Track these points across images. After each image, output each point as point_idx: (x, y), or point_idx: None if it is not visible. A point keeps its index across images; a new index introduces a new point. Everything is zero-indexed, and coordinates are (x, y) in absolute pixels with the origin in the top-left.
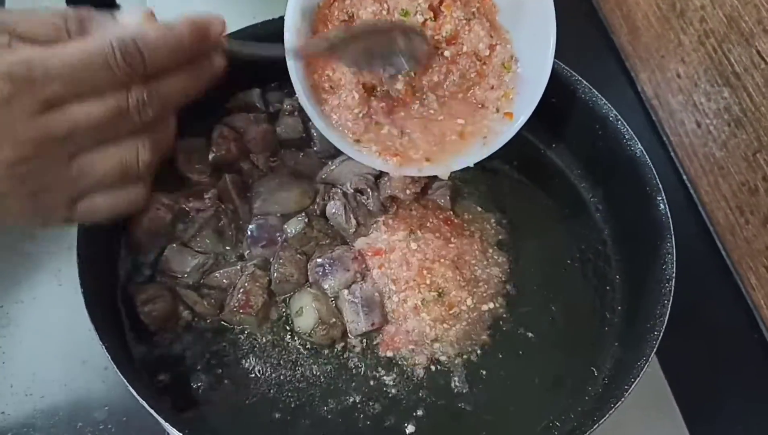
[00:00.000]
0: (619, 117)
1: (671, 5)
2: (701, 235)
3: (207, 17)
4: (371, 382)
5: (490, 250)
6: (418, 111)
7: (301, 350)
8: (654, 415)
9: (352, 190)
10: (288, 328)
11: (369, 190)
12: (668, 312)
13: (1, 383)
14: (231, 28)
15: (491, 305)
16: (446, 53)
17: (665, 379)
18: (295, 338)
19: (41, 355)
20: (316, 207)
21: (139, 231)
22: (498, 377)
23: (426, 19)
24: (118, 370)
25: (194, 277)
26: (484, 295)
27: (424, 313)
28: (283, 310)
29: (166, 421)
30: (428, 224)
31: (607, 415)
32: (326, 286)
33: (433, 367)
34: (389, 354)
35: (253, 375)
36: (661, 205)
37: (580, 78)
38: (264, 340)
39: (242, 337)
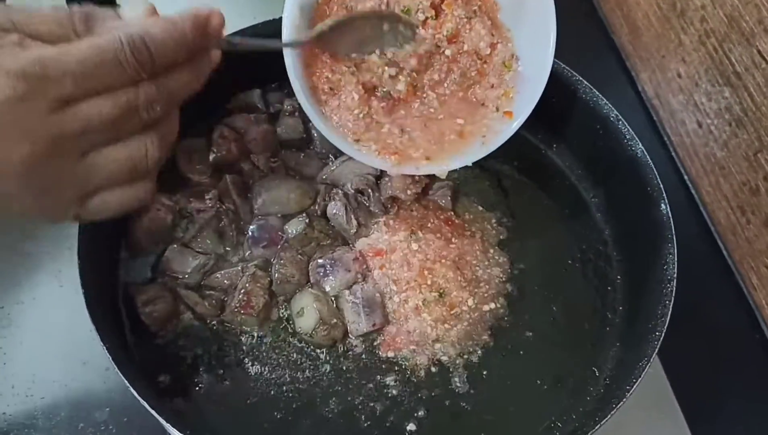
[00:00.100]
0: (620, 117)
1: (672, 5)
2: (702, 235)
3: (207, 11)
4: (372, 383)
5: (491, 251)
6: (419, 109)
7: (302, 351)
8: (656, 415)
9: (352, 191)
10: (289, 328)
11: (370, 190)
12: (670, 312)
13: (1, 384)
14: (231, 28)
15: (492, 305)
16: (447, 52)
17: (667, 379)
18: (296, 339)
19: (42, 355)
20: (316, 207)
21: (140, 231)
22: (499, 377)
23: (427, 18)
24: (119, 371)
25: (195, 278)
26: (485, 295)
27: (425, 314)
28: (284, 310)
29: (167, 421)
30: (429, 225)
31: (609, 416)
32: (327, 287)
33: (434, 368)
34: (390, 354)
35: (253, 375)
36: (662, 205)
37: (580, 78)
38: (265, 340)
39: (243, 338)
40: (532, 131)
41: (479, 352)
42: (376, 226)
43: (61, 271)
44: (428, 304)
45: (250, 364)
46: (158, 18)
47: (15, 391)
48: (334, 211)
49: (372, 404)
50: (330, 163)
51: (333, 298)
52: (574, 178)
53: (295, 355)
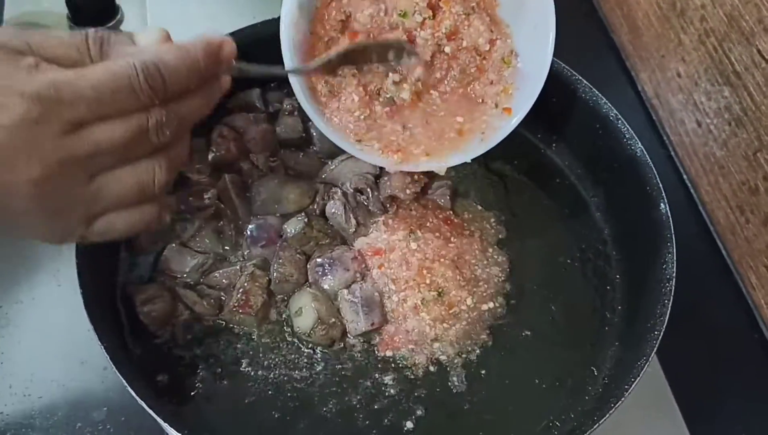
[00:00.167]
0: (620, 116)
1: (671, 4)
2: (701, 234)
3: (219, 39)
4: (371, 382)
5: (490, 250)
6: (421, 108)
7: (301, 350)
8: (654, 414)
9: (351, 190)
10: (287, 328)
11: (369, 189)
12: (669, 312)
13: None
14: (231, 27)
15: (491, 305)
16: (446, 49)
17: (665, 378)
18: (295, 338)
19: (40, 355)
20: (315, 207)
21: None
22: (498, 377)
23: (425, 18)
24: (117, 371)
25: (194, 277)
26: (484, 294)
27: (423, 313)
28: (283, 310)
29: (165, 421)
30: (428, 224)
31: (608, 415)
32: (326, 286)
33: (432, 367)
34: (389, 354)
35: (252, 375)
36: (662, 204)
37: (580, 77)
38: (263, 340)
39: (241, 337)
40: (531, 130)
41: (478, 351)
42: (375, 225)
43: (59, 271)
44: (427, 304)
45: (248, 363)
46: (172, 45)
47: (13, 391)
48: (333, 210)
49: (370, 404)
50: (329, 163)
51: (332, 298)
52: (573, 178)
53: (293, 355)
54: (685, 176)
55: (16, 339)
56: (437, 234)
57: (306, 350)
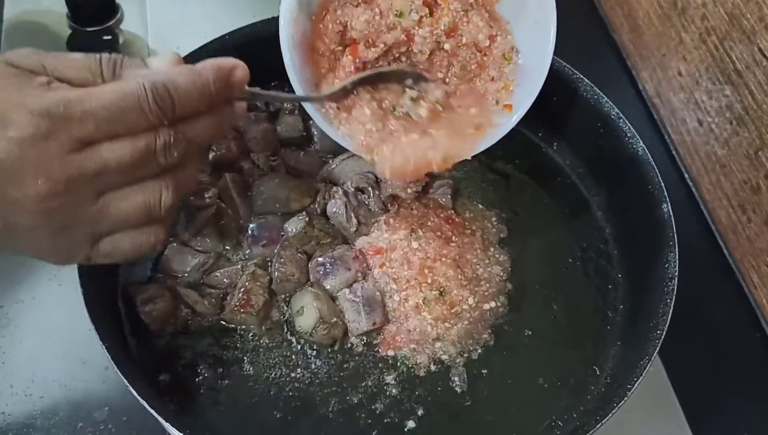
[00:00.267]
0: (621, 115)
1: (672, 3)
2: (703, 233)
3: (232, 63)
4: (372, 382)
5: (492, 249)
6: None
7: (302, 350)
8: (656, 414)
9: (353, 189)
10: (289, 327)
11: (370, 188)
12: (671, 311)
13: (0, 383)
14: (231, 27)
15: (493, 304)
16: (446, 46)
17: (668, 378)
18: (296, 338)
19: (41, 355)
20: (316, 206)
21: None
22: (500, 376)
23: (422, 17)
24: (118, 370)
25: (195, 277)
26: (486, 293)
27: (425, 312)
28: (284, 309)
29: (167, 421)
30: (429, 223)
31: (610, 415)
32: (327, 286)
33: (434, 367)
34: (390, 353)
35: (253, 374)
36: (664, 203)
37: (581, 76)
38: (265, 339)
39: (243, 337)
40: (532, 129)
41: (479, 350)
42: (376, 224)
43: (60, 271)
44: (428, 303)
45: (249, 363)
46: (183, 67)
47: (14, 391)
48: (334, 209)
49: (372, 403)
50: (330, 162)
51: (333, 297)
52: (574, 177)
53: (294, 354)
54: (686, 175)
55: (17, 339)
56: (438, 233)
57: (307, 350)
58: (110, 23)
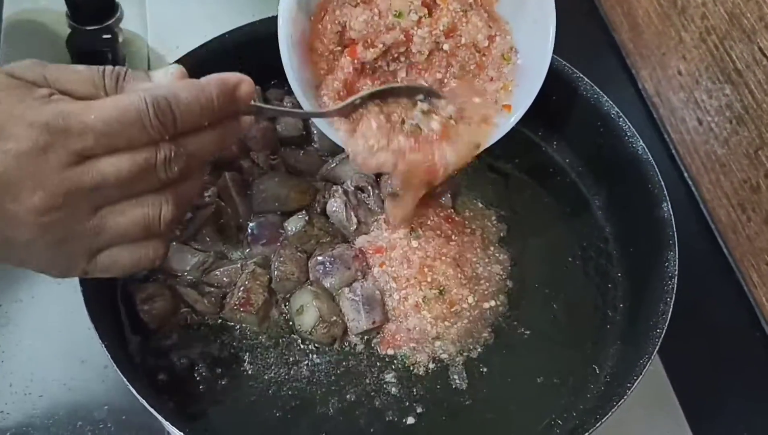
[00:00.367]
0: (621, 114)
1: (672, 2)
2: (703, 232)
3: (237, 78)
4: (372, 381)
5: (492, 248)
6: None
7: (302, 349)
8: (656, 413)
9: (352, 188)
10: (288, 326)
11: (370, 187)
12: (671, 310)
13: (0, 382)
14: (230, 26)
15: (492, 303)
16: (445, 46)
17: (667, 377)
18: (296, 337)
19: (40, 354)
20: (316, 205)
21: None
22: (499, 375)
23: (421, 17)
24: (117, 369)
25: (194, 276)
26: (486, 292)
27: (425, 311)
28: (284, 308)
29: (166, 419)
30: (429, 222)
31: (610, 413)
32: (327, 284)
33: (434, 365)
34: (390, 352)
35: (253, 373)
36: (664, 203)
37: (581, 75)
38: (264, 338)
39: (243, 336)
40: (532, 128)
41: (479, 349)
42: (375, 223)
43: None
44: (428, 302)
45: (249, 362)
46: (187, 81)
47: (13, 390)
48: (334, 208)
49: (371, 402)
50: (330, 161)
51: (333, 296)
52: (574, 176)
53: (294, 353)
54: (686, 174)
55: (16, 338)
56: (438, 232)
57: (307, 349)
58: (110, 22)
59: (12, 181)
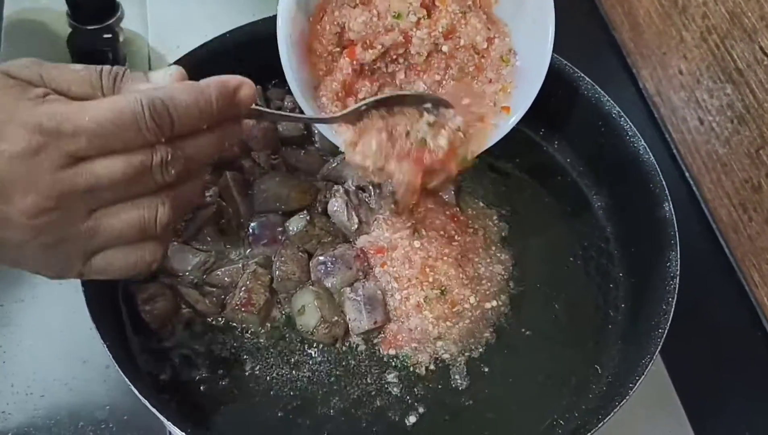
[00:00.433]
0: (622, 114)
1: (673, 1)
2: (704, 232)
3: (238, 80)
4: (373, 381)
5: (493, 248)
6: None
7: (303, 349)
8: (658, 413)
9: (354, 188)
10: (290, 326)
11: (371, 187)
12: (672, 310)
13: (1, 382)
14: (231, 25)
15: (494, 303)
16: (444, 48)
17: (669, 377)
18: (297, 337)
19: (42, 354)
20: (317, 204)
21: None
22: (501, 375)
23: (419, 18)
24: (119, 369)
25: (195, 276)
26: (487, 292)
27: (426, 311)
28: (285, 308)
29: (168, 419)
30: (437, 221)
31: (612, 413)
32: (328, 284)
33: (435, 365)
34: (392, 352)
35: (254, 374)
36: (665, 202)
37: (582, 75)
38: (266, 338)
39: (244, 336)
40: (533, 128)
41: (481, 349)
42: (376, 223)
43: None
44: (430, 302)
45: (250, 362)
46: (185, 83)
47: (15, 390)
48: (335, 208)
49: (373, 402)
50: (331, 160)
51: (334, 296)
52: (575, 175)
53: (295, 354)
54: (687, 174)
55: (17, 338)
56: (441, 232)
57: (308, 349)
58: (110, 21)
59: (4, 184)
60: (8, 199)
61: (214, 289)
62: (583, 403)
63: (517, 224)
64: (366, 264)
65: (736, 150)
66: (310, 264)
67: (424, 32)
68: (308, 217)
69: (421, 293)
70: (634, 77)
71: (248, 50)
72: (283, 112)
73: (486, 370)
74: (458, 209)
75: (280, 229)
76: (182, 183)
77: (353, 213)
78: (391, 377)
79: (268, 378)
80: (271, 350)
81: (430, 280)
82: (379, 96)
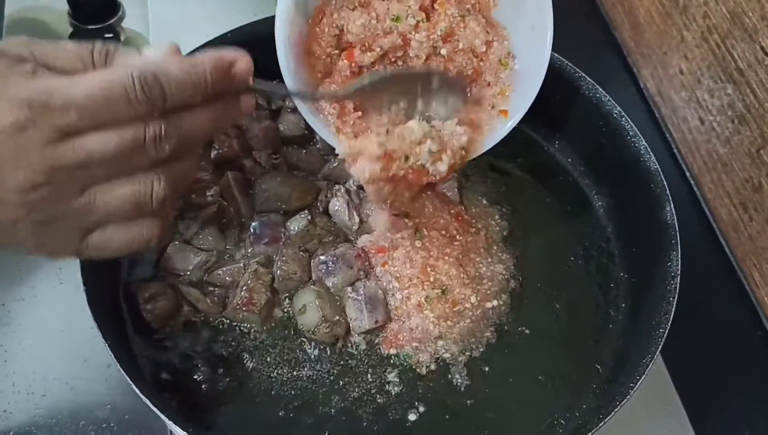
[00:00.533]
0: (623, 113)
1: (674, 1)
2: (704, 232)
3: (233, 55)
4: (374, 380)
5: (495, 248)
6: None
7: (304, 348)
8: (658, 412)
9: (354, 187)
10: (291, 326)
11: None
12: (673, 309)
13: (2, 382)
14: (232, 25)
15: (495, 302)
16: (442, 51)
17: (669, 376)
18: (298, 336)
19: (43, 353)
20: (318, 204)
21: None
22: (501, 374)
23: (418, 21)
24: (120, 368)
25: (197, 275)
26: (488, 292)
27: (427, 311)
28: (287, 307)
29: (170, 419)
30: (441, 221)
31: (613, 413)
32: (329, 284)
33: (436, 365)
34: (392, 352)
35: (256, 373)
36: (665, 202)
37: (583, 74)
38: (267, 338)
39: (245, 335)
40: (534, 128)
41: (481, 349)
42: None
43: (61, 269)
44: (431, 301)
45: (251, 361)
46: (179, 57)
47: (16, 389)
48: (336, 207)
49: (374, 401)
50: (332, 160)
51: (335, 296)
52: (576, 175)
53: (296, 353)
54: (687, 173)
55: (18, 337)
56: (444, 232)
57: (309, 348)
58: (111, 21)
59: None
60: None
61: (216, 289)
62: (584, 403)
63: (518, 224)
64: (367, 263)
65: (736, 150)
66: (312, 263)
67: (422, 35)
68: (309, 217)
69: (422, 293)
70: (634, 77)
71: (249, 50)
72: (280, 85)
73: (486, 369)
74: (462, 207)
75: (281, 228)
76: (178, 159)
77: (354, 212)
78: (391, 376)
79: (269, 377)
80: (272, 349)
81: (431, 279)
82: (385, 72)
